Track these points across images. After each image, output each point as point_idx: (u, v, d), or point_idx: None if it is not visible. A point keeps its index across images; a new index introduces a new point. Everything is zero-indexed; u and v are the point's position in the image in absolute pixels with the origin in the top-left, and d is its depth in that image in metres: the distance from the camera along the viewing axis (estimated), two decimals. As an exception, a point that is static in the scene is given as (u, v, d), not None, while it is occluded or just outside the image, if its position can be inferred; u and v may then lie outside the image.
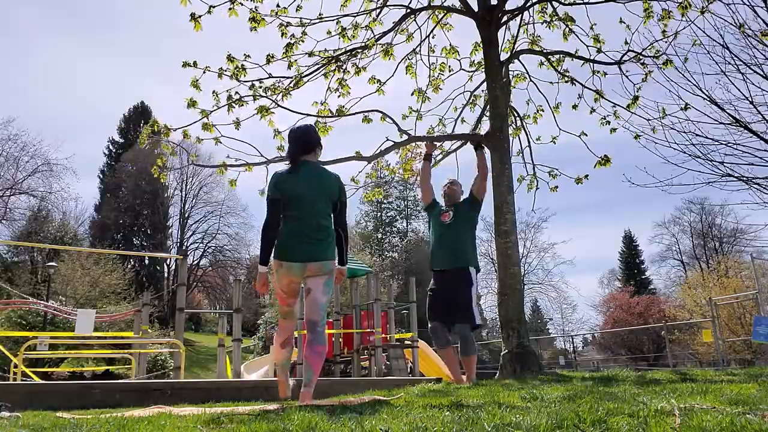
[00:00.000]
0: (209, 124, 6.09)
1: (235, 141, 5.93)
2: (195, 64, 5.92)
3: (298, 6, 6.32)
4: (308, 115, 6.44)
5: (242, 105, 6.22)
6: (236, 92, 6.20)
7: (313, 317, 3.59)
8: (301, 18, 6.38)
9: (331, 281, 3.69)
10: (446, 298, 4.91)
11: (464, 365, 4.97)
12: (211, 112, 6.10)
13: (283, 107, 6.30)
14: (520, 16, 6.79)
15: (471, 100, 7.54)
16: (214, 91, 6.12)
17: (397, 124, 6.29)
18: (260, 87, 6.30)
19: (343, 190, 3.82)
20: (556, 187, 7.23)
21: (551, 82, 7.22)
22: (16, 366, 7.67)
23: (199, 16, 5.73)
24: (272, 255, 3.66)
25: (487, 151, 5.78)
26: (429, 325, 4.95)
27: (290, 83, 6.49)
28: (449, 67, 7.51)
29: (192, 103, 6.01)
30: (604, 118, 7.16)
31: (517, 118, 7.24)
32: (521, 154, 7.27)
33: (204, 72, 5.97)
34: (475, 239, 5.22)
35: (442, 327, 4.92)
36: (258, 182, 6.33)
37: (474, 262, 5.01)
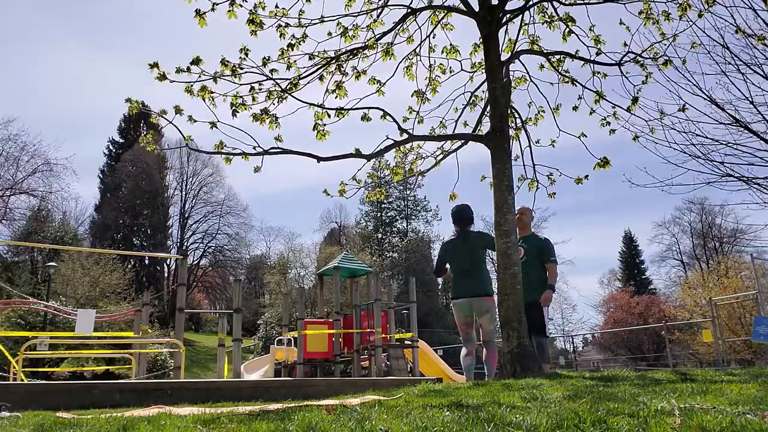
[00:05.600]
0: (207, 87, 5.90)
1: (233, 128, 5.80)
2: (189, 69, 5.78)
3: (300, 10, 6.31)
4: (311, 104, 6.36)
5: (245, 109, 6.18)
6: (237, 92, 6.11)
7: None
8: (300, 19, 6.35)
9: None
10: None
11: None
12: (211, 78, 5.89)
13: (294, 97, 6.20)
14: (520, 16, 6.78)
15: (471, 101, 7.52)
16: (212, 94, 6.04)
17: (397, 123, 6.28)
18: (259, 91, 6.24)
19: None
20: (554, 193, 7.21)
21: (551, 83, 7.19)
22: (15, 366, 7.67)
23: (204, 13, 5.74)
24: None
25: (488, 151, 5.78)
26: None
27: (287, 85, 6.44)
28: (450, 68, 7.49)
29: (197, 61, 5.83)
30: (604, 119, 7.14)
31: (518, 119, 7.22)
32: (521, 157, 7.24)
33: (199, 76, 5.85)
34: (543, 272, 6.24)
35: None
36: (256, 176, 6.21)
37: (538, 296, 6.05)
